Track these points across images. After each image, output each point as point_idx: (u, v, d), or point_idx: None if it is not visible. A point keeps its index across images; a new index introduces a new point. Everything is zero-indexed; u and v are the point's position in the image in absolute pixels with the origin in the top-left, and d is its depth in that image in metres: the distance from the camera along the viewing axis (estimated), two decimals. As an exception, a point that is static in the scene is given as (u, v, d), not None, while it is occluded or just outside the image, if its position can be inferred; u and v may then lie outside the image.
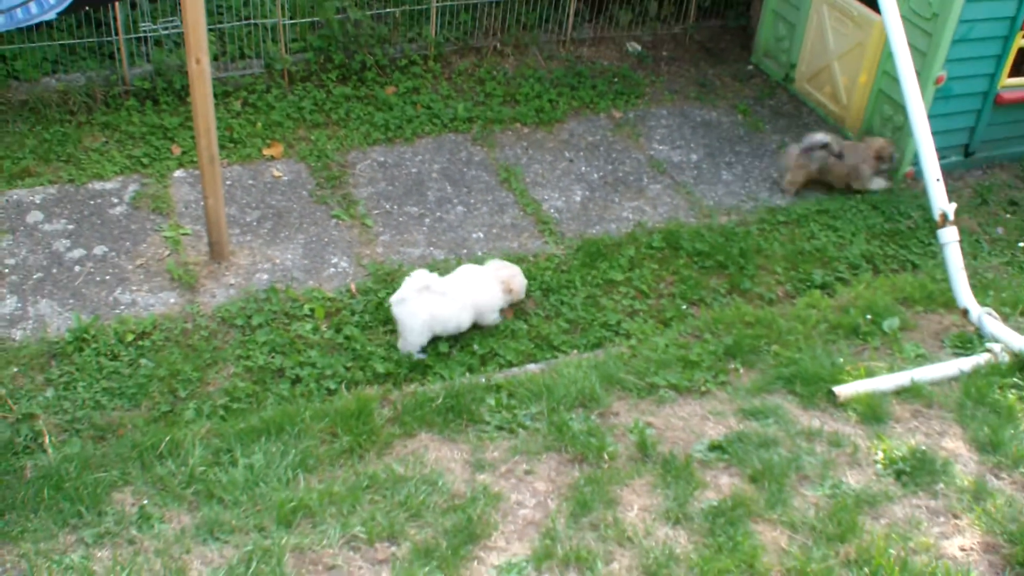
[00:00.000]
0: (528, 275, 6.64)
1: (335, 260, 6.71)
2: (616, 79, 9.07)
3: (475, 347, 6.10)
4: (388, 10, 8.74)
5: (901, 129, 8.15)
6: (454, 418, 5.05)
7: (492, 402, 5.17)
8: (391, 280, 6.50)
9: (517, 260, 6.79)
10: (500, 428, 5.02)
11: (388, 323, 6.18)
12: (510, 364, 6.00)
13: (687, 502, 4.52)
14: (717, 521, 4.42)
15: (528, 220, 7.27)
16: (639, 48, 9.53)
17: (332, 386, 5.75)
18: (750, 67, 9.65)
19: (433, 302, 5.96)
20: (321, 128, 8.02)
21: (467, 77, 8.71)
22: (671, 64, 9.54)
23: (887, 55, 8.08)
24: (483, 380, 5.39)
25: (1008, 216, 8.13)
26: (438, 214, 7.21)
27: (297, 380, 5.82)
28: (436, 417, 5.04)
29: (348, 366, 5.91)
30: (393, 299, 6.00)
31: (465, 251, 6.88)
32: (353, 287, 6.48)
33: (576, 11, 9.34)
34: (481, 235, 7.06)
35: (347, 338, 6.09)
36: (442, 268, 6.57)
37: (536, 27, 9.25)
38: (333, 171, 7.55)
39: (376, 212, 7.18)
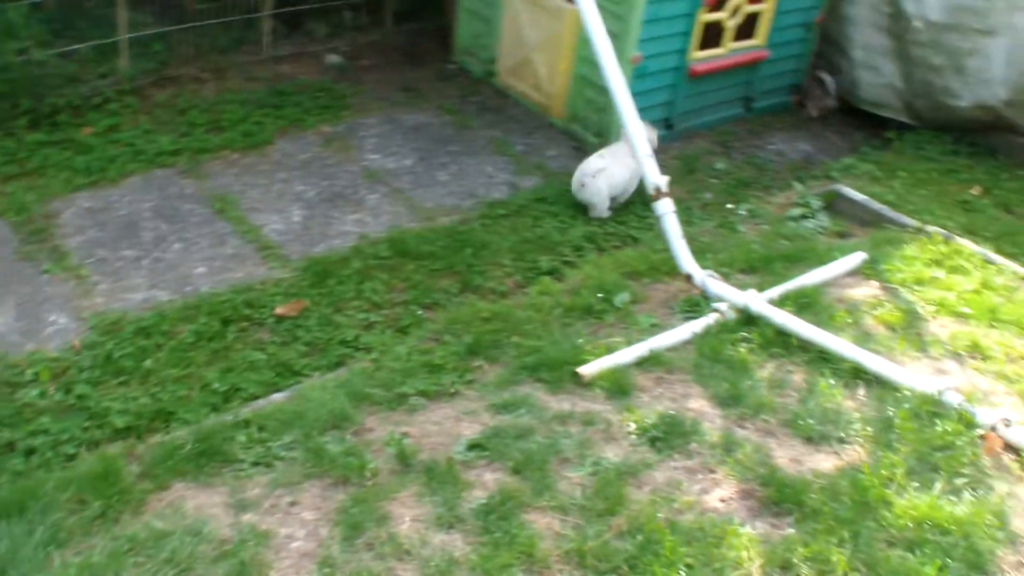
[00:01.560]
0: (258, 303, 6.49)
1: (53, 318, 6.33)
2: (320, 93, 8.96)
3: (216, 385, 5.89)
4: (74, 47, 8.32)
5: (604, 110, 8.42)
6: (207, 462, 4.84)
7: (243, 438, 5.00)
8: (117, 329, 6.19)
9: (244, 289, 6.62)
10: (256, 464, 4.86)
11: (121, 374, 5.89)
12: (254, 397, 5.81)
13: (457, 505, 4.51)
14: (489, 518, 4.42)
15: (250, 247, 7.08)
16: (339, 60, 9.46)
17: (71, 451, 5.39)
18: (452, 66, 9.74)
19: (607, 178, 7.64)
20: (17, 180, 7.53)
21: (167, 108, 8.40)
22: (373, 72, 9.51)
23: (583, 42, 8.32)
24: (230, 418, 5.20)
25: (714, 181, 8.54)
26: (156, 254, 6.93)
27: (31, 451, 5.42)
28: (188, 464, 4.82)
29: (85, 427, 5.57)
30: (577, 182, 7.75)
31: (190, 288, 6.63)
32: (76, 343, 6.13)
33: (272, 29, 9.17)
34: (204, 269, 6.83)
35: (79, 397, 5.75)
36: (168, 308, 6.34)
37: (232, 49, 9.03)
38: (37, 224, 7.11)
39: (90, 261, 6.82)
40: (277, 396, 5.57)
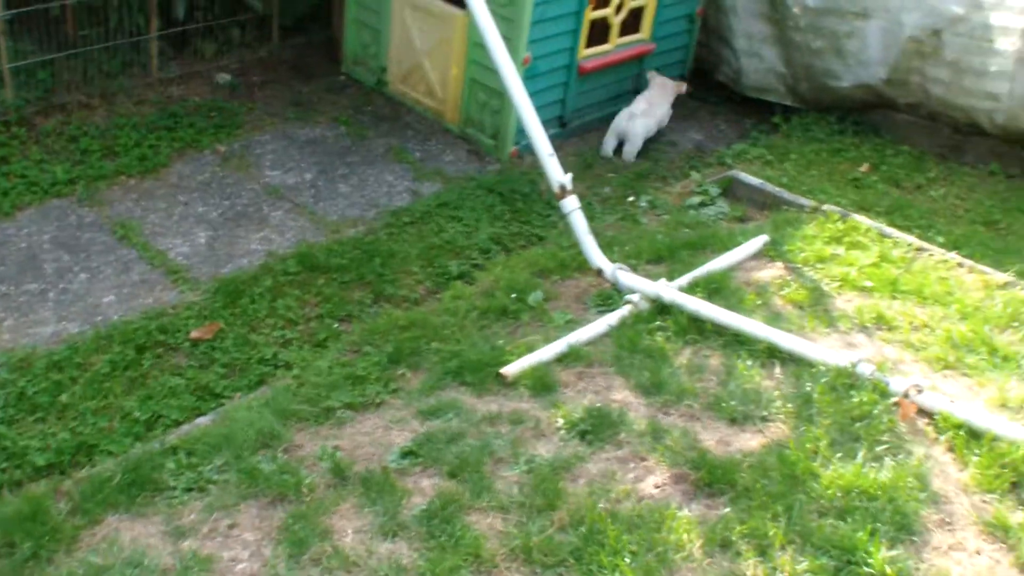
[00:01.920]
0: (172, 328, 6.44)
1: (-41, 358, 6.19)
2: (213, 113, 8.88)
3: (136, 414, 5.82)
4: (-48, 81, 8.14)
5: (499, 113, 8.51)
6: (138, 492, 4.80)
7: (173, 465, 4.97)
8: (27, 365, 6.08)
9: (156, 315, 6.55)
10: (189, 489, 4.83)
11: (37, 411, 5.79)
12: (177, 423, 5.76)
13: (398, 512, 4.54)
14: (432, 523, 4.46)
15: (157, 272, 7.01)
16: (229, 78, 9.38)
17: (-7, 493, 5.30)
18: (342, 78, 9.73)
19: (644, 120, 8.95)
20: (-94, 221, 7.35)
21: (58, 137, 8.24)
22: (264, 88, 9.46)
23: (472, 46, 8.40)
24: (157, 446, 5.17)
25: (612, 175, 8.68)
26: (61, 286, 6.81)
27: (-50, 498, 5.31)
28: (118, 496, 4.77)
29: (3, 468, 5.47)
30: (619, 121, 8.96)
31: (100, 318, 6.54)
32: (-14, 383, 6.01)
33: (159, 51, 9.06)
34: (113, 298, 6.74)
35: (-5, 438, 5.64)
36: (79, 340, 6.24)
37: (120, 73, 8.90)
38: (-68, 264, 6.95)
39: (-8, 298, 6.68)
40: (202, 420, 5.54)
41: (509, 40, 7.66)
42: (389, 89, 9.40)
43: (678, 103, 9.40)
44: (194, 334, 6.45)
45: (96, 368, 6.12)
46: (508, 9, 8.03)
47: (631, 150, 8.96)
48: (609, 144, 9.01)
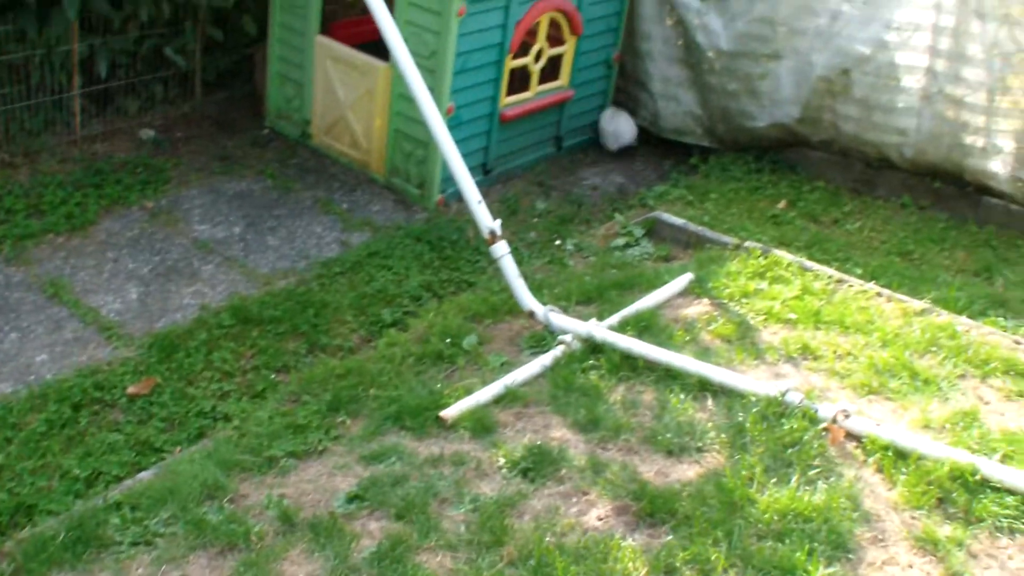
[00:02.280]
0: (108, 385, 6.43)
1: None
2: (139, 169, 8.89)
3: (76, 472, 5.81)
4: None
5: (424, 162, 8.65)
6: (83, 549, 4.79)
7: (117, 520, 4.97)
8: (-35, 427, 6.04)
9: (91, 372, 6.54)
10: (135, 544, 4.83)
11: (-27, 472, 5.75)
12: (118, 479, 5.75)
13: (347, 556, 4.60)
14: (382, 564, 4.53)
15: (90, 330, 7.00)
16: (153, 134, 9.40)
17: (-70, 560, 5.25)
18: (266, 131, 9.80)
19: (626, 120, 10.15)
20: None
21: (-20, 197, 8.22)
22: (189, 144, 9.49)
23: (396, 97, 8.55)
24: (100, 502, 5.16)
25: (536, 220, 8.84)
26: (-8, 346, 6.78)
27: None
28: (63, 554, 4.76)
29: (-60, 531, 5.42)
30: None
31: (33, 377, 6.51)
32: (-79, 446, 5.95)
33: (81, 108, 9.07)
34: (46, 356, 6.72)
35: (-69, 502, 5.58)
36: (13, 400, 6.22)
37: (43, 131, 8.88)
38: None
39: (-79, 361, 6.63)
40: (144, 475, 5.54)
41: (433, 90, 7.82)
42: (313, 142, 9.49)
43: (599, 147, 9.61)
44: (131, 390, 6.45)
45: (32, 427, 6.09)
46: (431, 60, 8.19)
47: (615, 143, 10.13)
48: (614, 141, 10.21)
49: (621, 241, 8.21)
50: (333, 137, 9.34)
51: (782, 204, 8.96)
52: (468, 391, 5.88)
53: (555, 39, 9.36)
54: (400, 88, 8.31)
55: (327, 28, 9.21)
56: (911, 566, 4.68)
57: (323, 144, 9.44)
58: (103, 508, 5.08)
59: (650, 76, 10.06)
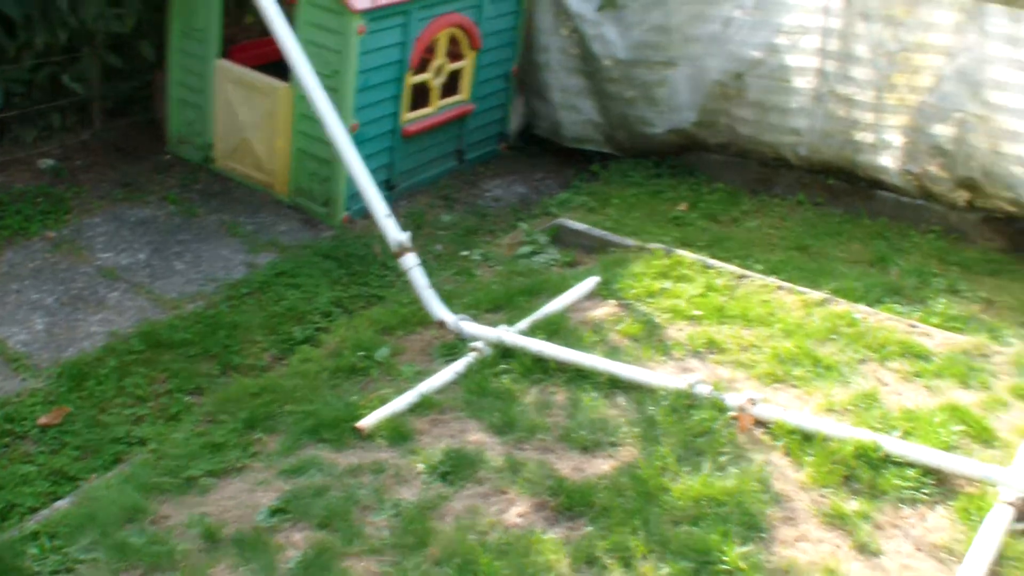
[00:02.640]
0: (18, 416, 6.36)
1: None
2: (40, 199, 8.79)
3: (-11, 506, 5.75)
4: None
5: (329, 180, 8.69)
6: (0, 584, 4.78)
7: (35, 551, 4.93)
8: None
9: (0, 405, 6.47)
10: (56, 572, 4.81)
11: None
12: (34, 509, 5.69)
13: (274, 567, 4.64)
14: (309, 572, 4.58)
15: (-3, 363, 6.93)
16: (53, 163, 9.30)
17: None
18: (168, 157, 9.75)
19: None
20: None
21: None
22: (90, 172, 9.40)
23: (299, 117, 8.58)
24: (16, 533, 5.12)
25: (443, 233, 8.92)
26: None
27: None
28: (-20, 590, 4.74)
29: None
30: None
31: (-59, 411, 6.43)
32: None
33: (-23, 140, 8.96)
34: (-47, 389, 6.64)
35: None
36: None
37: (-63, 165, 8.77)
38: None
39: None
40: (60, 503, 5.50)
41: (336, 109, 7.88)
42: (216, 165, 9.47)
43: (501, 159, 9.75)
44: (42, 420, 6.39)
45: (-59, 463, 6.02)
46: (334, 79, 8.24)
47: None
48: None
49: (527, 249, 8.33)
50: (236, 160, 9.33)
51: (683, 206, 9.17)
52: (383, 401, 5.94)
53: (454, 54, 9.48)
54: (303, 108, 8.33)
55: (227, 51, 9.22)
56: (821, 541, 4.88)
57: (226, 167, 9.42)
58: (19, 539, 5.05)
59: (549, 87, 10.22)
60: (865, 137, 9.04)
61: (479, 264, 8.29)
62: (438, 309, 6.89)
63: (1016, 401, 6.20)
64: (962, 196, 8.81)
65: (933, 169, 8.82)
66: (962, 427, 5.81)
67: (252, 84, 8.91)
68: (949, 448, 5.57)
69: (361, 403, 5.97)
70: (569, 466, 5.32)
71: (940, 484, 5.33)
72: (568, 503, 5.00)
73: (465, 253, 8.48)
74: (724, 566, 4.60)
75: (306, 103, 7.22)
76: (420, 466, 5.35)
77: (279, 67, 8.26)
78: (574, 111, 10.19)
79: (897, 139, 8.90)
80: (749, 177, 9.66)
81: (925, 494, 5.26)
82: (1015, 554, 4.88)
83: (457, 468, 5.31)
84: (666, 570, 4.57)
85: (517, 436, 5.59)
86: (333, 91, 8.17)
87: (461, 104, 9.75)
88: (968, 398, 6.17)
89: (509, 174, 10.18)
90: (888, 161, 8.98)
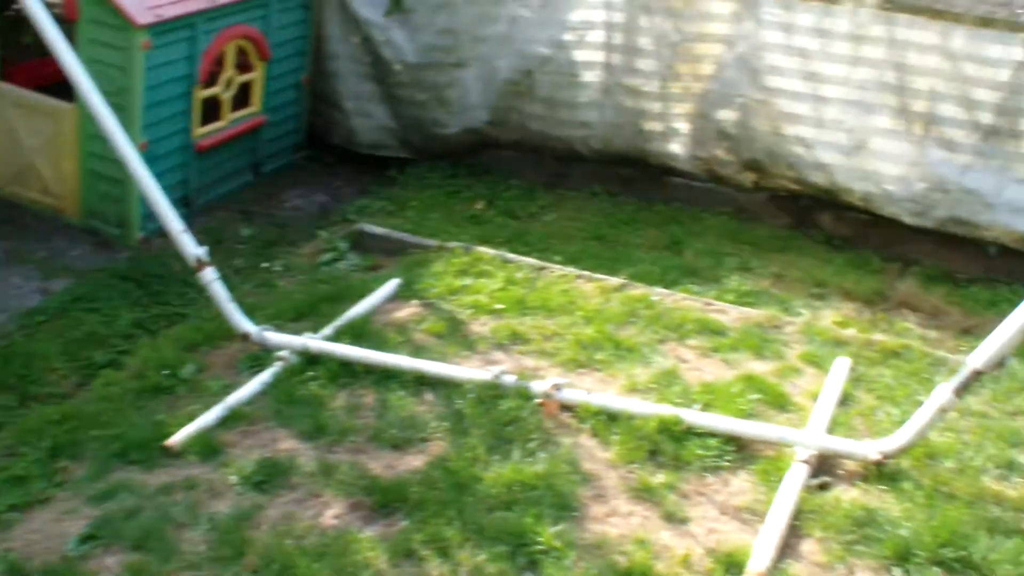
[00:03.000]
0: None
1: None
2: None
3: None
4: None
5: (121, 201, 8.50)
6: None
7: None
8: None
9: None
10: None
11: None
12: None
13: (85, 595, 4.55)
14: (123, 594, 4.52)
15: None
16: None
17: None
18: (-55, 188, 9.37)
19: None
20: None
21: None
22: None
23: (87, 137, 8.36)
24: None
25: (242, 247, 8.82)
26: None
27: None
28: None
29: None
30: None
31: None
32: None
33: None
34: None
35: None
36: None
37: None
38: None
39: None
40: None
41: (124, 127, 7.72)
42: (2, 192, 9.15)
43: (298, 169, 9.73)
44: None
45: None
46: (120, 97, 8.04)
47: None
48: None
49: (328, 256, 8.33)
50: (22, 185, 9.02)
51: (480, 204, 9.32)
52: (192, 417, 5.87)
53: (244, 66, 9.40)
54: (90, 128, 8.10)
55: (6, 73, 8.93)
56: (631, 514, 5.10)
57: (12, 194, 9.10)
58: None
59: (341, 95, 10.22)
60: (654, 126, 9.37)
61: (281, 275, 8.24)
62: (241, 322, 6.83)
63: (807, 367, 6.56)
64: (749, 177, 9.23)
65: (720, 153, 9.22)
66: (759, 395, 6.13)
67: (35, 106, 8.64)
68: (747, 416, 5.87)
69: (169, 422, 5.88)
70: (381, 465, 5.38)
71: (740, 450, 5.61)
72: (383, 500, 5.06)
73: (266, 265, 8.42)
74: (539, 546, 4.75)
75: (93, 123, 7.05)
76: (233, 478, 5.31)
77: (64, 87, 8.03)
78: (368, 117, 10.23)
79: (684, 126, 9.27)
80: (545, 172, 9.88)
81: (727, 461, 5.53)
82: (812, 507, 5.18)
83: (270, 476, 5.30)
84: (483, 556, 4.68)
85: (328, 440, 5.62)
86: (120, 109, 7.96)
87: (253, 116, 9.67)
88: (763, 368, 6.50)
89: (307, 184, 10.14)
90: (677, 148, 9.33)
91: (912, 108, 8.53)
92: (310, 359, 6.36)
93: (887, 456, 5.45)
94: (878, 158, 8.69)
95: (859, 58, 8.60)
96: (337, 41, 10.11)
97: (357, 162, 10.47)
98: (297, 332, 6.71)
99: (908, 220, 8.67)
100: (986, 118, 8.31)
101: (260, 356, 6.61)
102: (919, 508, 5.19)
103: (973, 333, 7.23)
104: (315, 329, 6.71)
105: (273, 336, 6.66)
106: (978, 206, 8.42)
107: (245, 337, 6.80)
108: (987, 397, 6.35)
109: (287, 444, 5.61)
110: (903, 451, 5.46)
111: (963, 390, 5.35)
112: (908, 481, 5.39)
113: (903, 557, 4.88)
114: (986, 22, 8.24)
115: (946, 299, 8.09)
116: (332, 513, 5.02)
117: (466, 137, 9.95)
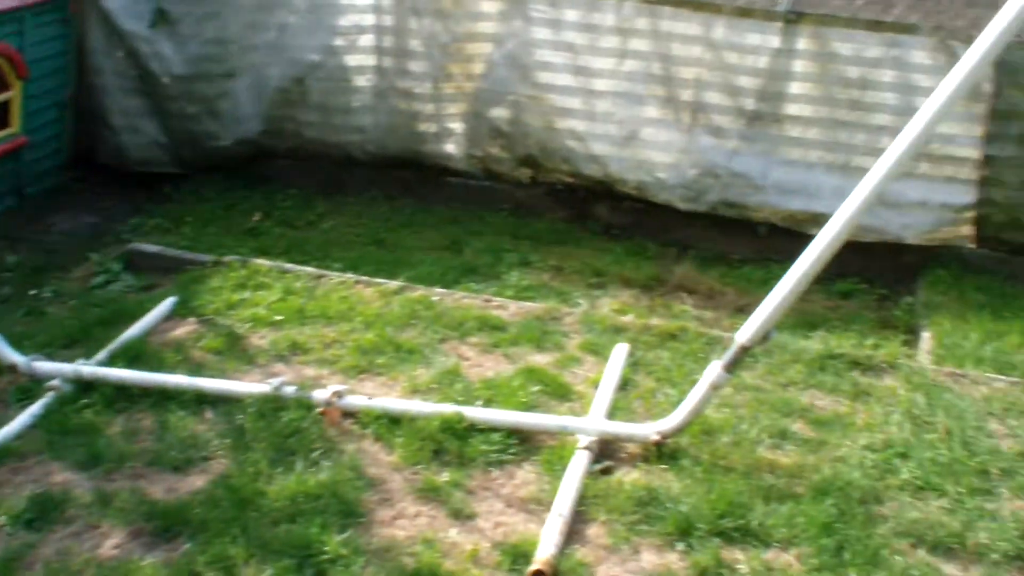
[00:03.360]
0: None
1: None
2: None
3: None
4: None
5: None
6: None
7: None
8: None
9: None
10: None
11: None
12: None
13: None
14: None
15: None
16: None
17: None
18: None
19: None
20: None
21: None
22: None
23: None
24: None
25: (8, 275, 8.41)
26: None
27: None
28: None
29: None
30: None
31: None
32: None
33: None
34: None
35: None
36: None
37: None
38: None
39: None
40: None
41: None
42: None
43: (66, 191, 9.38)
44: None
45: None
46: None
47: None
48: None
49: (100, 279, 8.03)
50: None
51: (257, 216, 9.16)
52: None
53: (0, 85, 8.98)
54: None
55: None
56: (418, 515, 5.12)
57: None
58: None
59: (108, 111, 9.85)
60: (428, 127, 9.44)
61: (51, 301, 7.88)
62: (6, 352, 6.53)
63: (587, 356, 6.71)
64: (525, 173, 9.39)
65: (495, 151, 9.35)
66: (540, 387, 6.25)
67: None
68: (530, 408, 5.96)
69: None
70: (162, 488, 5.23)
71: (524, 443, 5.70)
72: (164, 525, 4.92)
73: (34, 292, 8.03)
74: (326, 556, 4.71)
75: None
76: (2, 519, 5.06)
77: None
78: (137, 133, 9.90)
79: (458, 126, 9.37)
80: (322, 179, 9.80)
81: (511, 454, 5.61)
82: (595, 492, 5.30)
83: (43, 513, 5.07)
84: (269, 571, 4.60)
85: (105, 468, 5.42)
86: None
87: (13, 137, 9.23)
88: (544, 359, 6.62)
89: (76, 206, 9.74)
90: (452, 148, 9.42)
91: (680, 97, 8.85)
92: (84, 386, 6.13)
93: (665, 436, 5.61)
94: (650, 147, 8.98)
95: (626, 51, 8.86)
96: (101, 55, 9.74)
97: (130, 180, 10.11)
98: (70, 359, 6.46)
99: (682, 206, 8.98)
100: (749, 104, 8.71)
101: (30, 387, 6.31)
102: (698, 483, 5.36)
103: (747, 311, 7.44)
104: (88, 355, 6.47)
105: (43, 365, 6.38)
106: (747, 189, 8.81)
107: (13, 368, 6.50)
108: (761, 371, 6.63)
109: (61, 476, 5.39)
110: (680, 430, 5.64)
111: (733, 366, 5.56)
112: (687, 458, 5.57)
113: (685, 532, 5.04)
114: (745, 12, 8.64)
115: (721, 280, 8.41)
116: (111, 543, 4.85)
117: (240, 148, 9.78)
